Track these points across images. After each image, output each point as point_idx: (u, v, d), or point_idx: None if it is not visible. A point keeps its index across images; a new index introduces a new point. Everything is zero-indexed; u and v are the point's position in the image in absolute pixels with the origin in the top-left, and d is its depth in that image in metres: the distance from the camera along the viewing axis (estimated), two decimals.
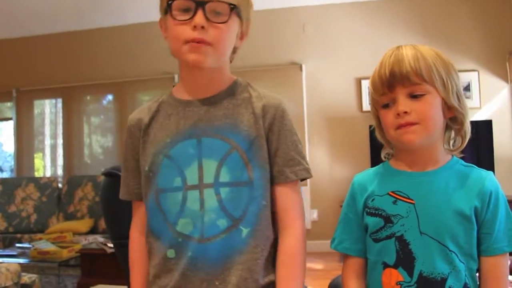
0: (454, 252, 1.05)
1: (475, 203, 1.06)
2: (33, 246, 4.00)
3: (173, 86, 1.24)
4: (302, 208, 1.16)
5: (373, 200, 1.14)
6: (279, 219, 1.14)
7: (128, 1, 5.12)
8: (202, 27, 1.05)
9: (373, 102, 1.16)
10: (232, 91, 1.17)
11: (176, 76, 5.41)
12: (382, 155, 1.23)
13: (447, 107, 1.10)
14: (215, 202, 1.08)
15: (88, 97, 5.97)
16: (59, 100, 5.96)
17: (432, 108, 1.07)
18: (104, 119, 6.02)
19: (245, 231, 1.09)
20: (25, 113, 5.97)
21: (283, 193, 1.14)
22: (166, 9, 1.10)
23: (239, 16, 1.12)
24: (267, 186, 1.13)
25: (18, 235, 4.92)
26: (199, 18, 1.05)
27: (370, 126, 4.70)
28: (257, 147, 1.12)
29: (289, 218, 1.14)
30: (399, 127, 1.08)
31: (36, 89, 5.90)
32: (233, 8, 1.09)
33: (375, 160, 4.82)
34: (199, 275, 1.08)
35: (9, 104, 6.05)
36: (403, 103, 1.07)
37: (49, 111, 6.07)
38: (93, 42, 5.75)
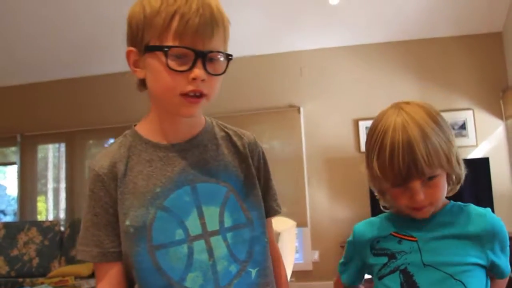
0: (460, 281, 1.06)
1: (478, 231, 1.09)
2: None
3: (134, 125, 1.14)
4: None
5: (378, 241, 1.18)
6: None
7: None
8: (202, 80, 0.96)
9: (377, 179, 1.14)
10: (209, 131, 1.12)
11: None
12: (381, 205, 1.26)
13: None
14: (224, 249, 1.02)
15: (91, 142, 6.04)
16: (62, 145, 6.02)
17: (442, 189, 1.10)
18: None
19: (253, 272, 1.05)
20: (29, 158, 6.02)
21: (269, 226, 1.16)
22: (150, 49, 0.97)
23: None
24: (265, 224, 1.11)
25: (20, 279, 4.88)
26: (200, 71, 0.95)
27: None
28: (249, 186, 1.09)
29: (275, 249, 1.19)
30: (412, 208, 1.11)
31: (40, 134, 5.98)
32: (231, 58, 1.02)
33: (375, 200, 4.81)
34: None
35: (13, 148, 6.11)
36: (420, 191, 1.07)
37: (52, 155, 6.14)
38: (95, 88, 5.86)
